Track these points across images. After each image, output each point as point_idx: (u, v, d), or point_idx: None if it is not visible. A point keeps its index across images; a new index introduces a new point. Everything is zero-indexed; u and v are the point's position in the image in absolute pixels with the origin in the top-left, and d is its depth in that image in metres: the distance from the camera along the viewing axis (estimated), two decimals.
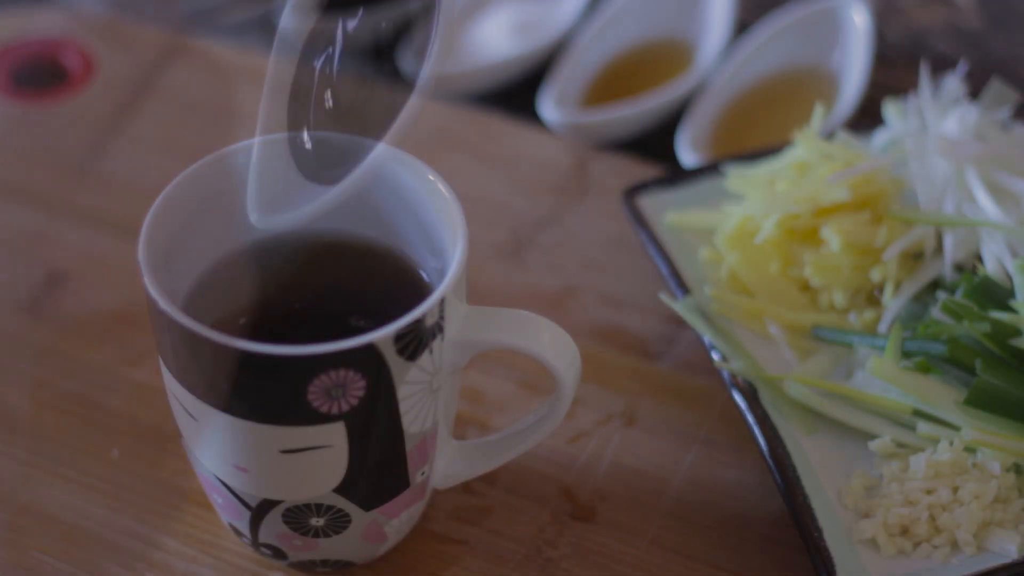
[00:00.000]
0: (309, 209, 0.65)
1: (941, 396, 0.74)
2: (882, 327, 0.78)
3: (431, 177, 0.68)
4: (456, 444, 0.71)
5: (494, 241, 0.89)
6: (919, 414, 0.74)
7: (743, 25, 1.03)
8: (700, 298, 0.80)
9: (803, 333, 0.79)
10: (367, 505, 0.67)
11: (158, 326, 0.63)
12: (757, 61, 0.99)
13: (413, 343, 0.62)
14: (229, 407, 0.63)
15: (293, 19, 0.68)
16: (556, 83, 0.98)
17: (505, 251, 0.88)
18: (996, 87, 0.85)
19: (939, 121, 0.83)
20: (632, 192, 0.86)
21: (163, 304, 0.62)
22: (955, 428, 0.73)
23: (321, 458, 0.64)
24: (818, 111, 0.85)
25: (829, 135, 0.87)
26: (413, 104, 0.64)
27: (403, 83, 0.65)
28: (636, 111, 0.95)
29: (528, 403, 0.80)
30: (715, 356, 0.77)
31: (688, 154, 0.92)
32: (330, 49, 0.66)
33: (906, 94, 0.88)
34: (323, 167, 0.66)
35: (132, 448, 0.78)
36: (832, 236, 0.79)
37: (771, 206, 0.81)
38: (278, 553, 0.70)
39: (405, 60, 0.97)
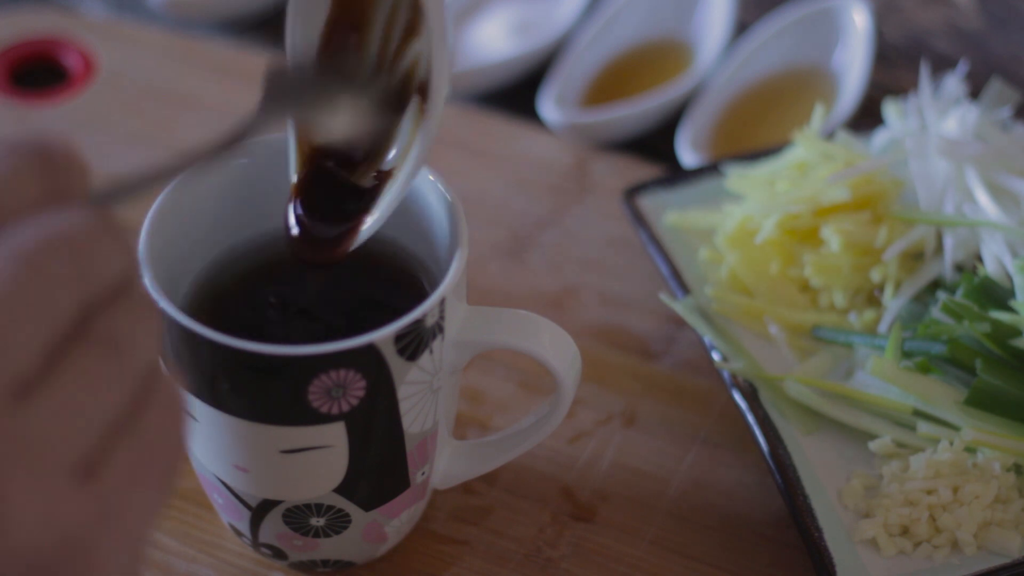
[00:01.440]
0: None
1: (941, 396, 0.74)
2: (882, 327, 0.78)
3: (431, 177, 0.68)
4: (456, 444, 0.71)
5: (494, 241, 0.89)
6: (919, 414, 0.74)
7: (743, 25, 1.03)
8: (700, 298, 0.80)
9: (803, 333, 0.79)
10: (367, 505, 0.67)
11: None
12: (757, 61, 0.99)
13: (413, 343, 0.62)
14: (229, 407, 0.63)
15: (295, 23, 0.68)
16: (556, 83, 0.97)
17: (505, 251, 0.88)
18: (996, 87, 0.85)
19: (939, 121, 0.83)
20: (632, 192, 0.86)
21: (163, 304, 0.62)
22: (955, 428, 0.73)
23: (321, 458, 0.64)
24: (818, 111, 0.85)
25: (829, 135, 0.87)
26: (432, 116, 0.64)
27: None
28: (636, 111, 0.95)
29: (528, 403, 0.80)
30: (715, 356, 0.77)
31: (688, 154, 0.92)
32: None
33: (906, 94, 0.88)
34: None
35: None
36: (832, 236, 0.79)
37: (771, 206, 0.81)
38: (278, 553, 0.70)
39: None
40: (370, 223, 0.65)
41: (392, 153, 0.65)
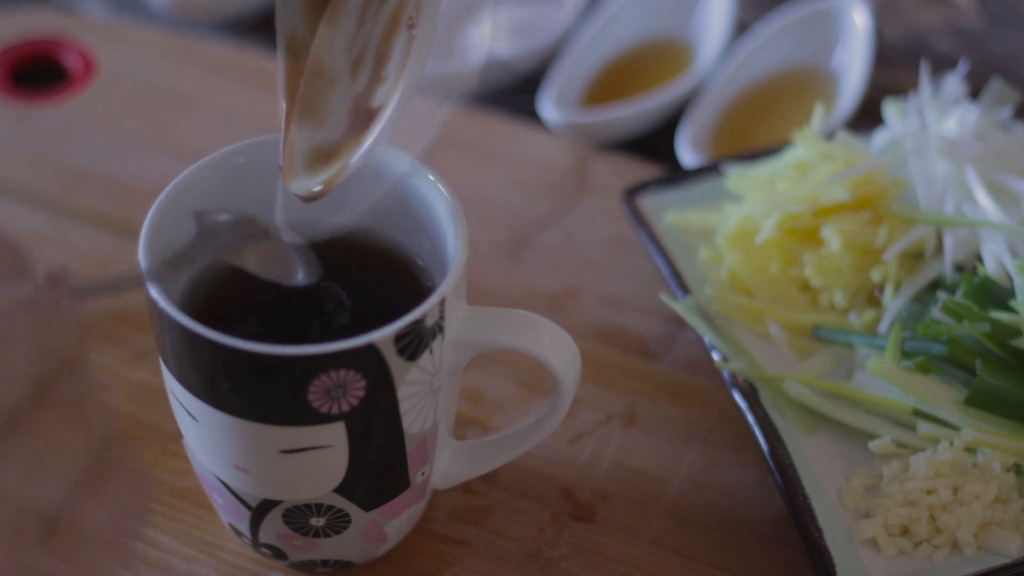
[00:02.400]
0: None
1: (941, 396, 0.74)
2: (882, 327, 0.78)
3: (431, 177, 0.68)
4: (456, 444, 0.71)
5: (494, 241, 0.89)
6: (919, 414, 0.74)
7: (743, 25, 1.03)
8: (700, 298, 0.80)
9: (803, 333, 0.79)
10: (367, 505, 0.67)
11: (158, 326, 0.63)
12: (757, 61, 0.99)
13: (413, 343, 0.62)
14: (229, 407, 0.63)
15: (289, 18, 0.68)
16: (556, 83, 0.97)
17: (505, 251, 0.88)
18: (996, 87, 0.85)
19: (939, 121, 0.83)
20: (632, 192, 0.86)
21: (163, 304, 0.62)
22: (955, 428, 0.73)
23: (321, 458, 0.64)
24: (818, 111, 0.85)
25: (829, 135, 0.87)
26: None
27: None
28: (636, 111, 0.95)
29: (528, 403, 0.80)
30: (715, 356, 0.77)
31: (688, 154, 0.92)
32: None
33: (906, 94, 0.88)
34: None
35: (132, 448, 0.77)
36: (832, 236, 0.79)
37: (771, 206, 0.81)
38: (278, 553, 0.70)
39: None
40: (357, 156, 0.65)
41: (382, 87, 0.66)
